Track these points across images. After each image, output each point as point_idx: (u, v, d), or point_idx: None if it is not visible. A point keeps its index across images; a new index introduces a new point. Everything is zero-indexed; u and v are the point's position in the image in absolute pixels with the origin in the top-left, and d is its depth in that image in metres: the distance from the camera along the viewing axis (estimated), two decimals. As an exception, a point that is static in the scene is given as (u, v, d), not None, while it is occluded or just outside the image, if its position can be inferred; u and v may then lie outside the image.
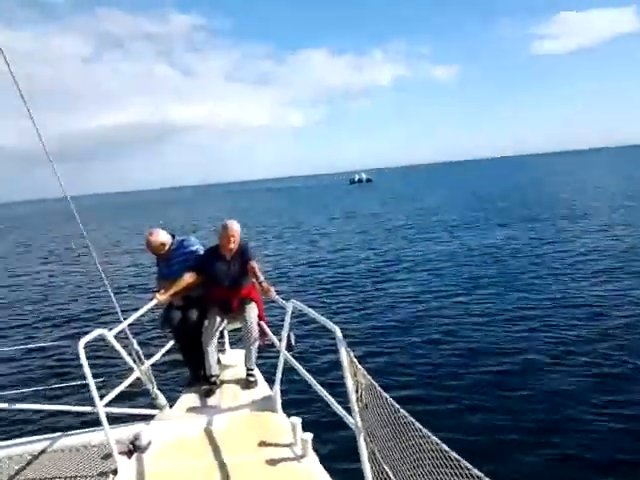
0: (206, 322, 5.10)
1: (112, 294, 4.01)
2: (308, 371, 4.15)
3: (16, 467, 3.52)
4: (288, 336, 4.37)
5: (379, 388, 2.80)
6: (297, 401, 6.68)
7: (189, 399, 4.83)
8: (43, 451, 3.71)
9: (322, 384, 3.91)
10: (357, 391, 2.95)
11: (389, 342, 9.78)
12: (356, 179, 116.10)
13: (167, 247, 5.42)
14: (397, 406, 2.68)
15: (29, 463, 3.58)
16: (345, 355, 3.02)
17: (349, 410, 3.08)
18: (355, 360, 2.98)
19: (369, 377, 2.89)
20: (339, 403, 3.43)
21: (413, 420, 2.55)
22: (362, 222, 33.56)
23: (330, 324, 3.26)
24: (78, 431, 3.98)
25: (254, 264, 5.15)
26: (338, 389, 3.56)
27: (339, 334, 3.11)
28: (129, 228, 45.26)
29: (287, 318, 4.32)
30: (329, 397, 3.60)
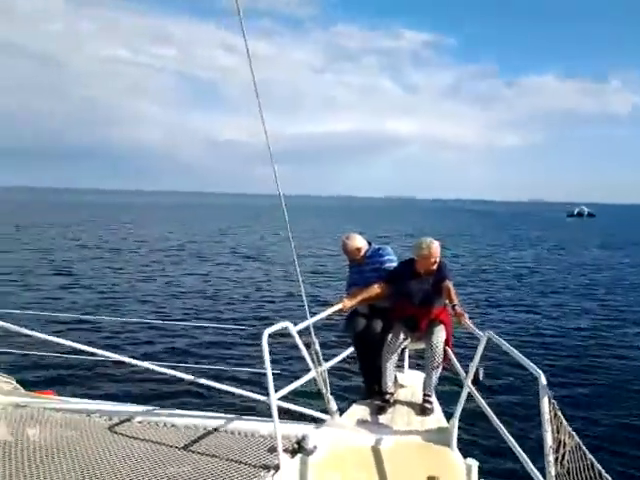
0: (389, 336, 4.91)
1: (303, 290, 4.00)
2: (494, 412, 3.72)
3: (191, 438, 3.67)
4: (477, 369, 4.00)
5: (590, 455, 2.32)
6: (475, 441, 6.16)
7: (360, 411, 4.68)
8: (216, 429, 3.82)
9: (509, 431, 3.46)
10: (557, 451, 2.49)
11: (606, 404, 8.53)
12: (575, 212, 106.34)
13: (362, 253, 5.37)
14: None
15: (202, 437, 3.70)
16: (547, 406, 2.58)
17: (542, 470, 2.62)
18: (560, 414, 2.52)
19: (577, 438, 2.42)
20: (528, 456, 2.98)
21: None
22: (581, 261, 29.77)
23: (533, 366, 2.86)
24: (249, 417, 4.04)
25: (449, 285, 4.85)
26: (528, 441, 3.10)
27: (543, 381, 2.68)
28: (331, 231, 47.30)
29: (479, 349, 3.95)
30: (518, 447, 3.15)
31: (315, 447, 3.64)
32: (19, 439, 3.58)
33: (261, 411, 4.04)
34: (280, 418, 3.38)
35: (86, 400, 4.31)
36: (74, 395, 4.51)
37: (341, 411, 4.46)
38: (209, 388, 4.15)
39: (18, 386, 4.45)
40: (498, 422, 3.58)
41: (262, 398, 3.68)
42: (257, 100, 3.37)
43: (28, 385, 4.68)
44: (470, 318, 4.57)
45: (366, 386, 5.13)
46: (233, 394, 4.10)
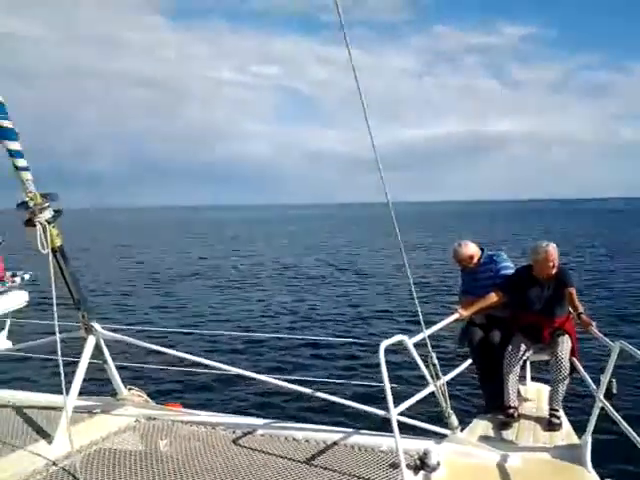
0: (509, 347, 4.68)
1: (417, 301, 3.93)
2: (633, 428, 3.43)
3: (311, 451, 3.69)
4: (609, 382, 3.72)
5: None
6: (611, 461, 5.69)
7: (483, 427, 4.50)
8: (336, 442, 3.82)
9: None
10: None
11: None
12: None
13: (475, 260, 5.20)
14: None
15: (322, 451, 3.72)
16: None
17: None
18: None
19: None
20: None
21: None
22: None
23: None
24: (368, 432, 4.00)
25: (572, 291, 4.57)
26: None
27: None
28: (438, 237, 46.36)
29: (611, 360, 3.68)
30: None
31: (438, 463, 3.53)
32: (151, 450, 3.79)
33: (379, 425, 3.98)
34: (399, 432, 3.32)
35: (211, 413, 4.48)
36: (199, 407, 4.72)
37: (462, 426, 4.32)
38: (327, 402, 4.17)
39: (149, 399, 4.72)
40: (639, 439, 3.30)
41: (380, 412, 3.63)
42: (363, 109, 3.37)
43: (157, 398, 4.96)
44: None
45: (487, 400, 4.92)
46: (351, 408, 4.08)
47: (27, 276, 8.80)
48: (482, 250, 5.29)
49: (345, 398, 4.18)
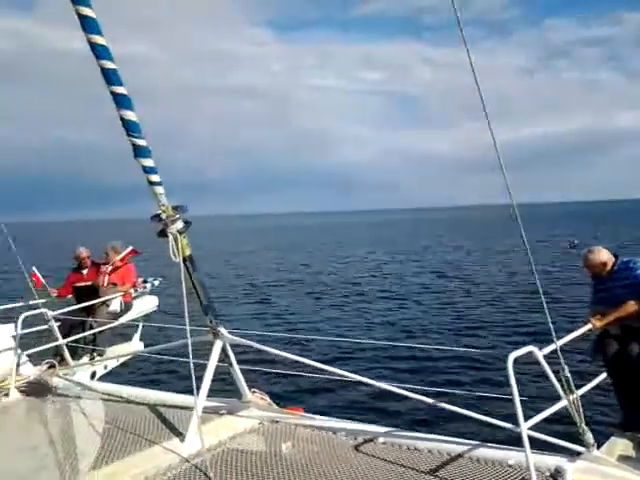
0: (650, 361, 4.32)
1: (547, 310, 3.72)
2: None
3: (434, 462, 3.60)
4: None
5: None
6: None
7: (621, 445, 4.17)
8: (460, 455, 3.70)
9: None
10: None
11: None
12: None
13: (608, 267, 4.86)
14: None
15: (446, 462, 3.61)
16: None
17: None
18: None
19: None
20: None
21: None
22: None
23: None
24: (495, 445, 3.84)
25: None
26: None
27: None
28: (556, 241, 43.86)
29: None
30: None
31: (573, 483, 3.31)
32: (275, 452, 3.88)
33: (505, 439, 3.81)
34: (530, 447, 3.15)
35: (331, 418, 4.52)
36: (320, 412, 4.77)
37: (598, 444, 4.02)
38: (450, 412, 4.05)
39: (271, 402, 4.85)
40: None
41: (508, 426, 3.47)
42: (483, 108, 3.26)
43: (279, 401, 5.08)
44: None
45: (626, 417, 4.57)
46: (475, 420, 3.94)
47: (157, 282, 9.40)
48: (616, 257, 4.93)
49: (470, 409, 4.05)
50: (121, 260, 8.64)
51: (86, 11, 3.24)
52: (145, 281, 9.32)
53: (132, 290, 8.82)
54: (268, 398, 4.84)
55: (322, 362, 4.42)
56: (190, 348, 3.88)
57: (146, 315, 9.09)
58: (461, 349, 11.71)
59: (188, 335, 3.91)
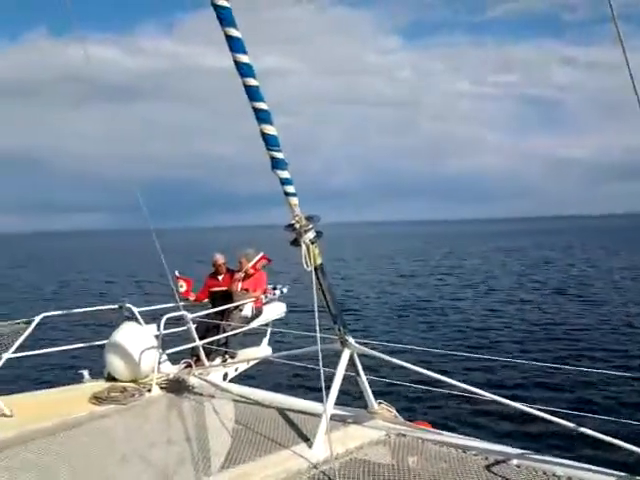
0: None
1: None
2: None
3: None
4: None
5: None
6: None
7: None
8: None
9: None
10: None
11: None
12: None
13: None
14: None
15: None
16: None
17: None
18: None
19: None
20: None
21: None
22: None
23: None
24: None
25: None
26: None
27: None
28: None
29: None
30: None
31: None
32: (401, 466, 3.83)
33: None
34: None
35: (461, 435, 4.38)
36: (448, 429, 4.64)
37: None
38: (592, 439, 3.76)
39: (398, 415, 4.80)
40: None
41: None
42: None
43: (406, 414, 5.02)
44: None
45: None
46: (620, 448, 3.62)
47: (285, 289, 9.69)
48: None
49: (613, 436, 3.73)
50: (253, 267, 9.02)
51: (232, 32, 3.45)
52: (274, 288, 9.64)
53: (263, 296, 9.17)
54: (394, 410, 4.80)
55: (451, 377, 4.31)
56: (320, 355, 3.95)
57: (274, 321, 9.39)
58: (605, 372, 10.81)
59: (318, 343, 3.99)
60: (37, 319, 7.01)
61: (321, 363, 3.91)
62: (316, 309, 3.84)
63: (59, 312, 8.28)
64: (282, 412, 4.99)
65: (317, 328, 3.89)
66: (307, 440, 4.23)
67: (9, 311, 20.41)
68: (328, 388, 4.26)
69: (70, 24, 5.40)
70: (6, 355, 6.71)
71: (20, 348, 6.86)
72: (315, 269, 4.05)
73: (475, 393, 4.25)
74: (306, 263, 3.89)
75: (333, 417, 4.41)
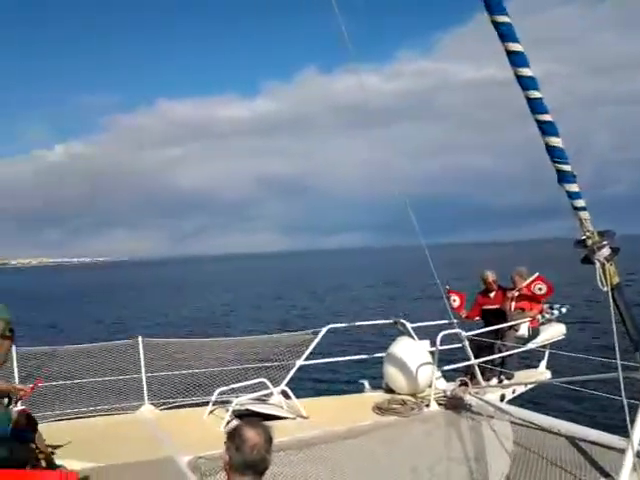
0: None
1: None
2: None
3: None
4: None
5: None
6: None
7: None
8: None
9: None
10: None
11: None
12: None
13: None
14: None
15: None
16: None
17: None
18: None
19: None
20: None
21: None
22: None
23: None
24: None
25: None
26: None
27: None
28: None
29: None
30: None
31: None
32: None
33: None
34: None
35: None
36: None
37: None
38: None
39: None
40: None
41: None
42: None
43: None
44: None
45: None
46: None
47: (564, 310, 9.00)
48: None
49: None
50: (527, 288, 8.57)
51: (514, 46, 3.42)
52: (552, 307, 9.05)
53: (539, 316, 8.66)
54: None
55: None
56: (622, 384, 3.60)
57: (553, 342, 8.81)
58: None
59: (619, 370, 3.64)
60: (323, 330, 7.77)
61: (623, 392, 3.56)
62: (615, 333, 3.54)
63: (343, 325, 9.05)
64: (572, 441, 4.65)
65: (617, 355, 3.57)
66: (607, 476, 3.87)
67: (302, 322, 23.30)
68: (632, 422, 3.82)
69: (347, 61, 5.98)
70: (299, 362, 7.59)
71: (309, 356, 7.69)
72: (612, 289, 3.73)
73: None
74: (601, 282, 3.61)
75: (639, 453, 3.97)
